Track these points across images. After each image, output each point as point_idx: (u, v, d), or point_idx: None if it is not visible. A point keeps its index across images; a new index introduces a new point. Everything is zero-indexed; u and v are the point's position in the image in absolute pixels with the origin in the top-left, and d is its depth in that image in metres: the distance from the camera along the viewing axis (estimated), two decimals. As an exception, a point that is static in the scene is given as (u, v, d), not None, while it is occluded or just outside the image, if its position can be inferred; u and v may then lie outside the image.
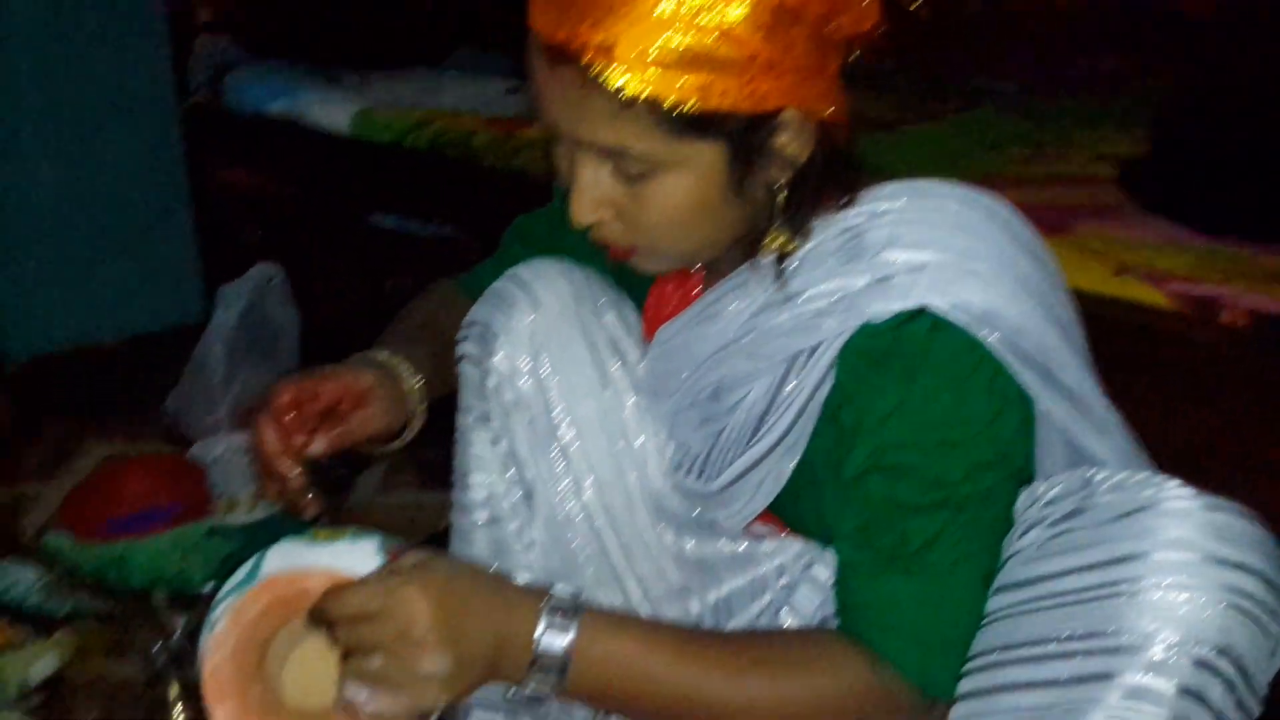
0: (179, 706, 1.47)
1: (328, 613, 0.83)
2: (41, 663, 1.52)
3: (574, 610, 0.86)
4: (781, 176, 0.93)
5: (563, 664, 0.85)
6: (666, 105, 0.85)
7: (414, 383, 1.13)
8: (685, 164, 0.89)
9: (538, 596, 0.87)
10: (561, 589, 0.88)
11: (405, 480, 2.14)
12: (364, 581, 0.83)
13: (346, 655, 0.84)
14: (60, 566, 1.75)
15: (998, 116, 2.51)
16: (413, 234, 2.17)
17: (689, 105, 0.84)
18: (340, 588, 0.84)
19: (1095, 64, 2.96)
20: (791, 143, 0.90)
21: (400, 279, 2.22)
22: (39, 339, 2.54)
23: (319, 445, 1.06)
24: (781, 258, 0.96)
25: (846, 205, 0.95)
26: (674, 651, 0.88)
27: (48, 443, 2.26)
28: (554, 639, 0.85)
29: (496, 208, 1.99)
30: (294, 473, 1.04)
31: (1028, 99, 2.71)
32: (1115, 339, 1.34)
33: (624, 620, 0.91)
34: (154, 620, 1.51)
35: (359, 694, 0.83)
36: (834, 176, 0.95)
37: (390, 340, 1.18)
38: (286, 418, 1.05)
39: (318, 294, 2.39)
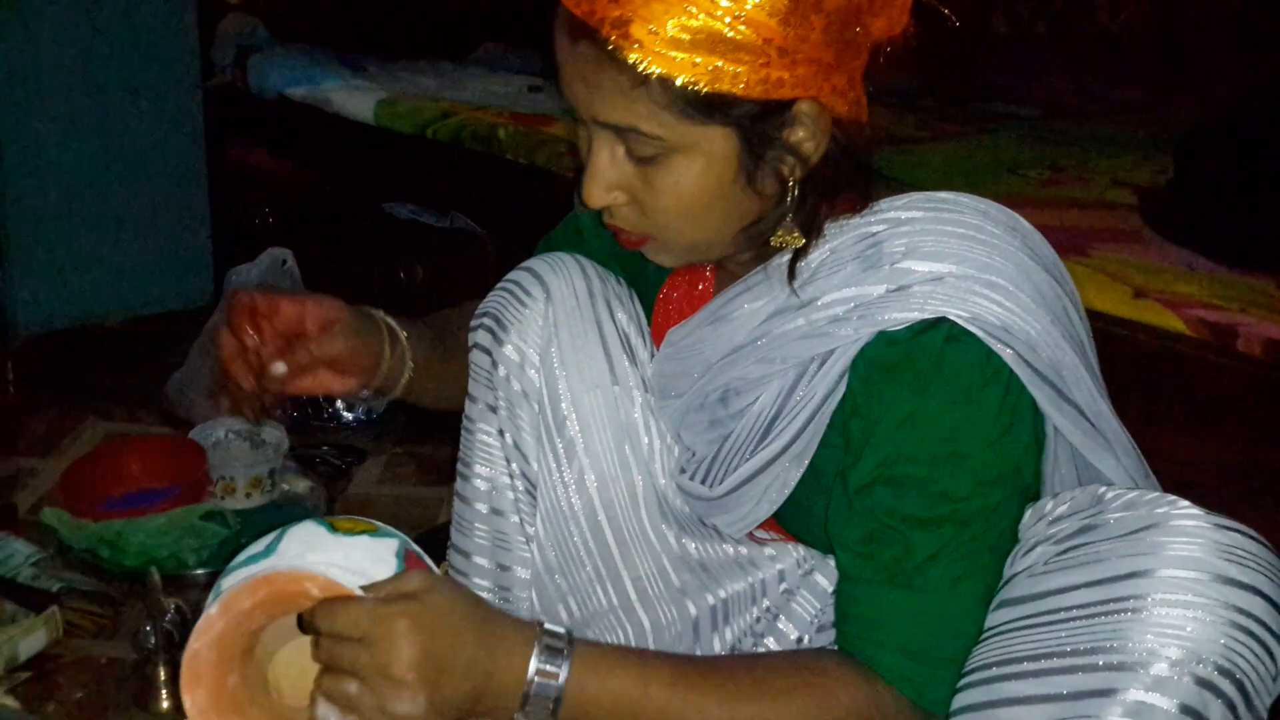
0: (166, 689, 1.46)
1: (316, 625, 0.82)
2: (30, 639, 1.51)
3: (567, 647, 0.85)
4: (794, 171, 0.92)
5: (555, 702, 0.84)
6: (678, 85, 0.84)
7: (398, 332, 1.11)
8: (696, 148, 0.89)
9: (530, 632, 0.85)
10: (552, 626, 0.86)
11: (404, 474, 2.13)
12: (359, 602, 0.81)
13: (325, 671, 0.83)
14: (54, 543, 1.74)
15: (1018, 139, 2.50)
16: (429, 226, 2.16)
17: (700, 86, 0.84)
18: (335, 601, 0.82)
19: (1118, 92, 2.97)
20: (805, 137, 0.90)
21: (414, 270, 2.22)
22: (47, 314, 2.54)
23: (279, 367, 1.03)
24: (795, 261, 0.95)
25: (860, 210, 0.94)
26: (668, 684, 0.87)
27: (47, 418, 2.26)
28: (547, 679, 0.84)
29: (516, 203, 2.00)
30: (248, 382, 1.02)
31: (1048, 124, 2.71)
32: (1132, 361, 1.34)
33: (617, 654, 0.90)
34: (145, 601, 1.49)
35: (329, 715, 0.82)
36: (849, 178, 0.94)
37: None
38: (245, 328, 1.03)
39: (329, 281, 2.37)
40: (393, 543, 0.88)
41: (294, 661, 0.90)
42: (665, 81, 0.84)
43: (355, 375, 1.10)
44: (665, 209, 0.93)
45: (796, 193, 0.92)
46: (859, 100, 0.91)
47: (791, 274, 0.95)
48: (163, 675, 1.46)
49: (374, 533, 0.89)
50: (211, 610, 0.84)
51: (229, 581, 0.86)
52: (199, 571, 1.70)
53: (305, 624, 0.83)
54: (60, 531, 1.72)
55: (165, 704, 1.45)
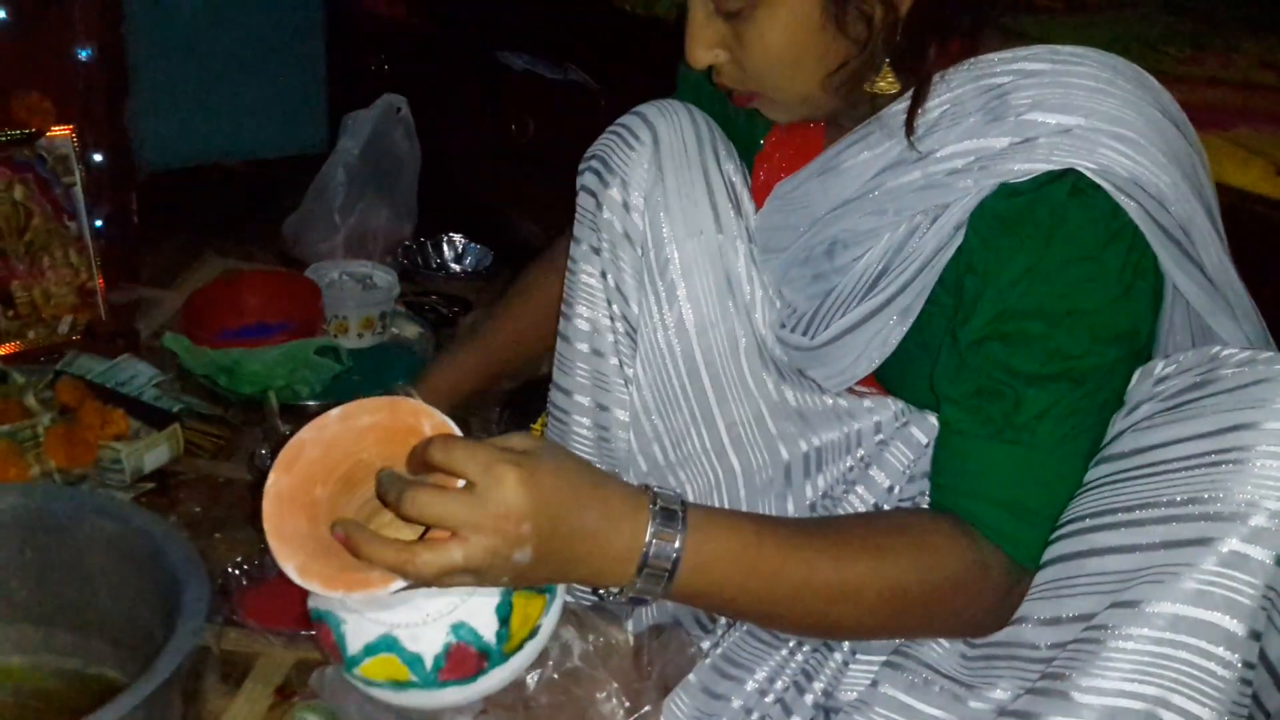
0: (278, 509, 1.53)
1: (430, 455, 0.79)
2: (155, 453, 1.59)
3: (681, 511, 0.84)
4: (879, 11, 0.89)
5: (672, 567, 0.83)
6: None
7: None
8: None
9: (643, 497, 0.83)
10: (664, 489, 0.85)
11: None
12: (475, 446, 0.78)
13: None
14: (175, 367, 1.81)
15: (1158, 16, 2.38)
16: (543, 77, 2.14)
17: None
18: (451, 439, 0.79)
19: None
20: None
21: (525, 122, 2.21)
22: (169, 152, 2.60)
23: None
24: (913, 111, 0.93)
25: (970, 55, 0.92)
26: (779, 545, 0.86)
27: (168, 251, 2.34)
28: (664, 544, 0.82)
29: (631, 55, 1.97)
30: None
31: (1188, 4, 2.57)
32: (1270, 237, 1.29)
33: (730, 517, 0.88)
34: (262, 425, 1.55)
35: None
36: (949, 22, 0.91)
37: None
38: None
39: (441, 129, 2.39)
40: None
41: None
42: None
43: None
44: (757, 62, 0.93)
45: (884, 35, 0.90)
46: None
47: (910, 126, 0.93)
48: (275, 496, 1.53)
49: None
50: (333, 412, 0.84)
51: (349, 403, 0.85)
52: (311, 403, 1.76)
53: (416, 454, 0.81)
54: (181, 356, 1.80)
55: (277, 523, 1.52)
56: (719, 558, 0.84)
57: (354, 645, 0.83)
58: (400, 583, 0.77)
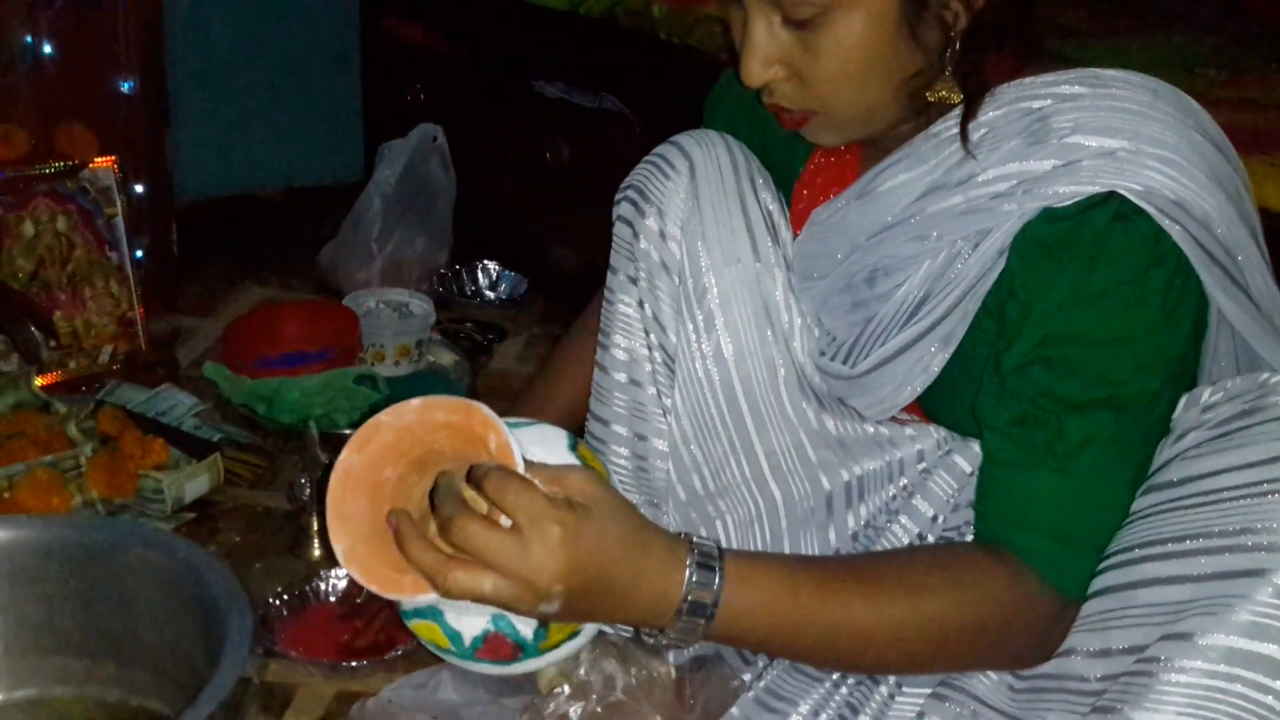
0: (318, 539, 1.54)
1: (484, 486, 0.79)
2: (195, 482, 1.60)
3: (719, 564, 0.84)
4: (957, 19, 0.89)
5: (709, 614, 0.83)
6: None
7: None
8: (856, 3, 0.87)
9: (682, 549, 0.84)
10: (702, 540, 0.85)
11: (542, 353, 2.17)
12: (531, 488, 0.79)
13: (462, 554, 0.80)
14: (214, 396, 1.83)
15: (1194, 38, 2.37)
16: (578, 105, 2.15)
17: None
18: (510, 472, 0.79)
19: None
20: None
21: (560, 150, 2.22)
22: (207, 181, 2.63)
23: None
24: (966, 122, 0.92)
25: (1022, 71, 0.91)
26: (815, 589, 0.86)
27: (206, 280, 2.36)
28: (701, 595, 0.83)
29: (667, 84, 1.98)
30: None
31: (1225, 24, 2.55)
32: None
33: (767, 561, 0.89)
34: (301, 454, 1.56)
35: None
36: (1013, 33, 0.91)
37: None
38: None
39: (476, 158, 2.40)
40: (563, 435, 0.88)
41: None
42: None
43: None
44: (828, 73, 0.91)
45: (959, 45, 0.90)
46: None
47: (964, 135, 0.92)
48: (315, 525, 1.53)
49: (543, 425, 0.89)
50: (413, 401, 0.84)
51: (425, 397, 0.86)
52: (348, 431, 1.76)
53: (474, 475, 0.81)
54: (220, 385, 1.81)
55: (317, 553, 1.53)
56: (755, 606, 0.85)
57: (408, 603, 0.85)
58: (427, 597, 0.80)
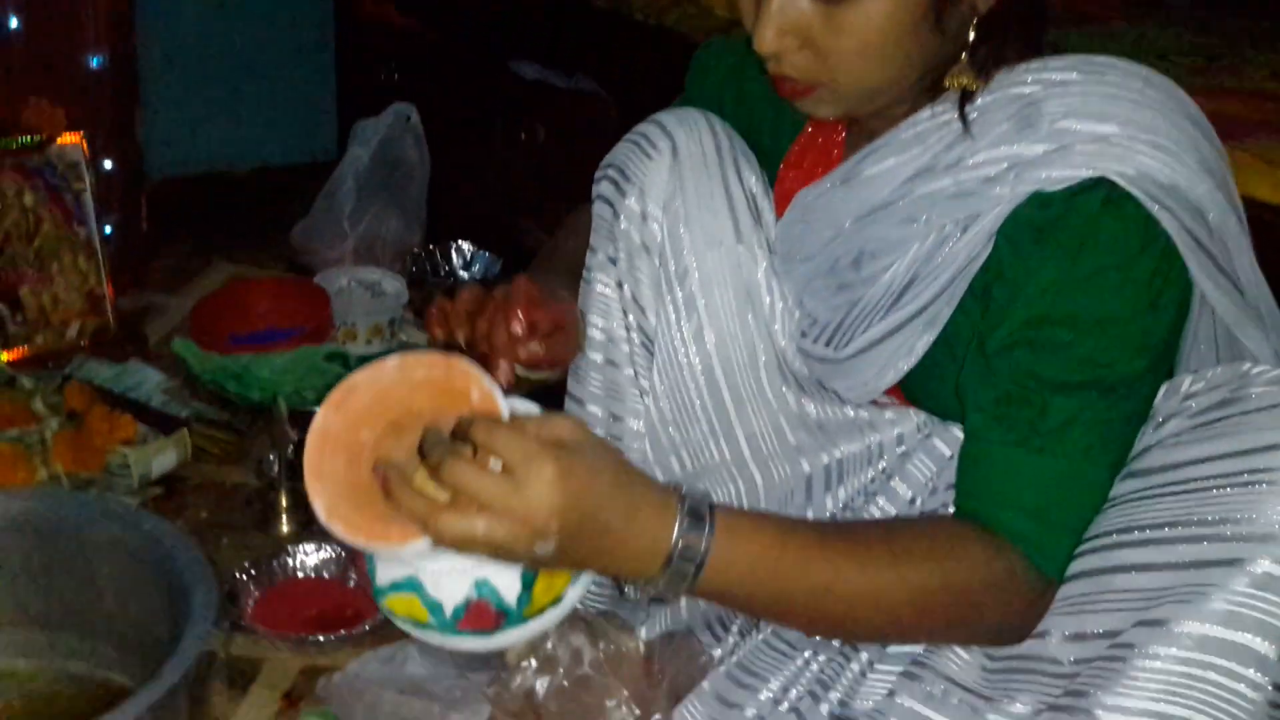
0: (286, 515, 1.53)
1: (472, 433, 0.79)
2: (163, 458, 1.59)
3: (708, 511, 0.84)
4: (978, 5, 0.89)
5: (698, 566, 0.83)
6: None
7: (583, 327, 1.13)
8: None
9: (672, 498, 0.83)
10: (693, 491, 0.85)
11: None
12: (518, 431, 0.78)
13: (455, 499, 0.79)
14: (183, 372, 1.81)
15: (1166, 27, 2.38)
16: (553, 86, 2.15)
17: None
18: (496, 420, 0.80)
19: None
20: None
21: (535, 130, 2.21)
22: (179, 159, 2.61)
23: (524, 351, 1.03)
24: (964, 105, 0.92)
25: (1028, 57, 0.92)
26: (804, 549, 0.85)
27: (176, 257, 2.34)
28: (691, 541, 0.82)
29: (642, 64, 1.97)
30: (504, 366, 1.02)
31: (1197, 14, 2.57)
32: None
33: (757, 519, 0.89)
34: (270, 431, 1.55)
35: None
36: (1028, 22, 0.91)
37: (561, 277, 1.17)
38: (516, 315, 1.02)
39: (450, 137, 2.39)
40: (537, 407, 0.87)
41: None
42: None
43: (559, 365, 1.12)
44: (848, 51, 0.89)
45: (978, 32, 0.89)
46: None
47: (964, 119, 0.92)
48: (284, 502, 1.52)
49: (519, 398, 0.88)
50: (389, 359, 0.83)
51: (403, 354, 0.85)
52: (317, 409, 1.75)
53: (460, 426, 0.81)
54: (190, 361, 1.79)
55: (285, 529, 1.52)
56: (743, 560, 0.84)
57: (383, 578, 0.84)
58: (416, 544, 0.78)
